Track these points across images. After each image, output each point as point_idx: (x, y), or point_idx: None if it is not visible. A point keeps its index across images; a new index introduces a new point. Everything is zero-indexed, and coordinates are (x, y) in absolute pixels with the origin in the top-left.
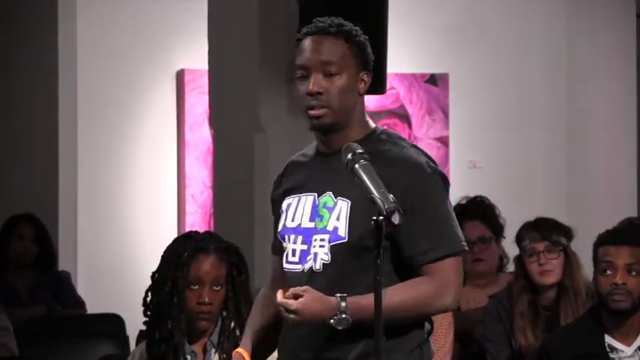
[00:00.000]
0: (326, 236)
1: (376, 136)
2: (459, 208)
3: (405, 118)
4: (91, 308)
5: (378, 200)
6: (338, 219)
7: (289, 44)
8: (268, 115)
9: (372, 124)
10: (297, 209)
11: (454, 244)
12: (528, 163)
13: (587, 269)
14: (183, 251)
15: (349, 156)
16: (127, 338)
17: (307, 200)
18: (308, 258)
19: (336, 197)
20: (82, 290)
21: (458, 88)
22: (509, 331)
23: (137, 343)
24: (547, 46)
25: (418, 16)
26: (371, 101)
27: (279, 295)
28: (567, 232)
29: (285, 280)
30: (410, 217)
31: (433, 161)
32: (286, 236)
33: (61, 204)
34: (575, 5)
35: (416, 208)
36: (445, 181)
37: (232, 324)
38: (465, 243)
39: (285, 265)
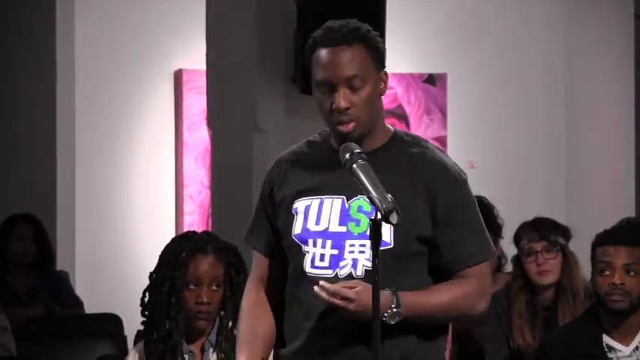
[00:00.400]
0: (367, 242)
1: (400, 138)
2: None
3: (403, 117)
4: (89, 308)
5: (376, 200)
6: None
7: (287, 44)
8: (266, 115)
9: (389, 125)
10: (322, 212)
11: (489, 248)
12: (526, 163)
13: (586, 269)
14: (181, 251)
15: (347, 155)
16: (124, 338)
17: (334, 203)
18: (342, 264)
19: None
20: (80, 290)
21: (456, 88)
22: (508, 331)
23: (135, 343)
24: (545, 46)
25: (416, 16)
26: None
27: (330, 285)
28: (565, 232)
29: (306, 284)
30: (451, 222)
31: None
32: (310, 240)
33: (59, 204)
34: (573, 5)
35: (457, 213)
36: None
37: (230, 324)
38: (491, 248)
39: (309, 270)
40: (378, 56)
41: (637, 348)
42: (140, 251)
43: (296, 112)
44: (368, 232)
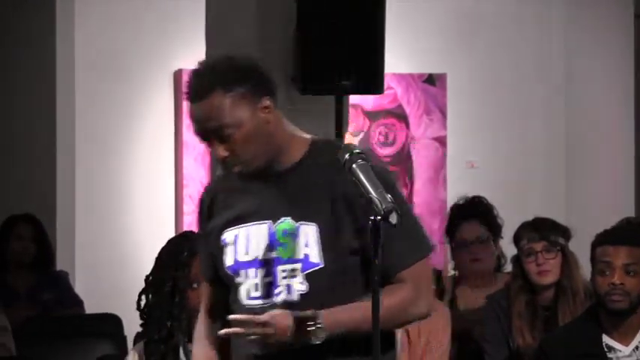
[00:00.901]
0: (297, 265)
1: (317, 148)
2: (456, 208)
3: (402, 118)
4: (89, 308)
5: (376, 200)
6: (307, 245)
7: (287, 44)
8: None
9: (307, 135)
10: (251, 240)
11: (424, 245)
12: (526, 162)
13: (586, 269)
14: (181, 251)
15: (347, 156)
16: (124, 338)
17: (261, 229)
18: (277, 291)
19: (297, 222)
20: (79, 290)
21: (456, 88)
22: (507, 332)
23: (135, 343)
24: (545, 46)
25: (416, 16)
26: (369, 101)
27: (240, 316)
28: (565, 232)
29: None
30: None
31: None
32: (241, 271)
33: (59, 204)
34: (573, 5)
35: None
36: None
37: None
38: (430, 243)
39: (245, 302)
40: (248, 91)
41: (637, 348)
42: (140, 251)
43: (296, 112)
44: (295, 256)
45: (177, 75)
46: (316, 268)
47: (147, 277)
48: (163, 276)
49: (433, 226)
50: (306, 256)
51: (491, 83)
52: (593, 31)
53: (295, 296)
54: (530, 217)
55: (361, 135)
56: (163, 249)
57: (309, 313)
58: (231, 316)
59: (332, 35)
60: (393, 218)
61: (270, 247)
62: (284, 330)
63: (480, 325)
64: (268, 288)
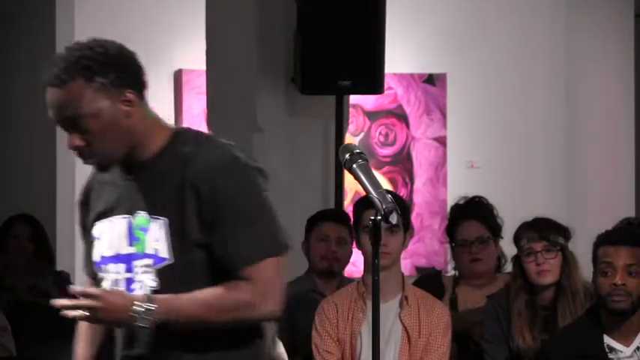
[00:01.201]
0: (149, 260)
1: (179, 140)
2: (457, 208)
3: (402, 118)
4: None
5: (376, 200)
6: (157, 240)
7: (287, 44)
8: (266, 116)
9: (172, 128)
10: (113, 234)
11: (275, 245)
12: (526, 163)
13: (585, 269)
14: None
15: (347, 156)
16: None
17: (121, 223)
18: (134, 286)
19: (150, 216)
20: None
21: (456, 88)
22: (507, 332)
23: None
24: (546, 46)
25: (416, 17)
26: (369, 101)
27: (78, 288)
28: (565, 232)
29: None
30: (220, 221)
31: (245, 156)
32: (103, 266)
33: (59, 204)
34: (574, 5)
35: (226, 211)
36: (261, 175)
37: None
38: (283, 242)
39: None
40: (112, 80)
41: (638, 348)
42: None
43: (296, 112)
44: (148, 251)
45: (177, 75)
46: (165, 263)
47: None
48: None
49: (433, 226)
50: (156, 251)
51: (491, 83)
52: (594, 31)
53: (148, 292)
54: (530, 217)
55: (361, 135)
56: None
57: (142, 295)
58: (70, 287)
59: (332, 35)
60: (394, 218)
61: (130, 241)
62: (113, 307)
63: (480, 325)
64: (128, 283)
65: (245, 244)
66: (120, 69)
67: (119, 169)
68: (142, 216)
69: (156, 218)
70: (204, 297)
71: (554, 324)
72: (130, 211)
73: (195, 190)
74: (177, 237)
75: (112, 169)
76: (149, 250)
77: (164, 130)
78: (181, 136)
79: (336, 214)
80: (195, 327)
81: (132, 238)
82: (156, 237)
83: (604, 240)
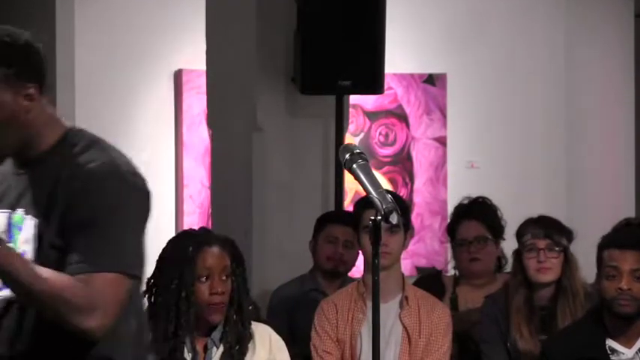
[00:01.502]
0: None
1: (67, 141)
2: (459, 207)
3: (403, 118)
4: None
5: (376, 200)
6: (26, 241)
7: (287, 44)
8: (266, 115)
9: (66, 126)
10: None
11: (116, 260)
12: (526, 163)
13: (585, 269)
14: (187, 247)
15: (347, 156)
16: None
17: (2, 218)
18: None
19: (25, 215)
20: None
21: (456, 88)
22: (505, 332)
23: None
24: (545, 46)
25: (416, 16)
26: (369, 101)
27: None
28: (569, 235)
29: None
30: (77, 228)
31: (132, 172)
32: None
33: None
34: (573, 5)
35: (84, 219)
36: (143, 194)
37: (235, 316)
38: (134, 266)
39: None
40: (14, 73)
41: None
42: None
43: (296, 112)
44: (19, 249)
45: (177, 75)
46: None
47: (148, 279)
48: (169, 274)
49: (433, 226)
50: (24, 252)
51: (491, 83)
52: (594, 31)
53: (9, 292)
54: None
55: (361, 135)
56: (165, 249)
57: None
58: None
59: (332, 35)
60: (394, 218)
61: (9, 238)
62: None
63: (480, 324)
64: None
65: (89, 252)
66: (24, 61)
67: (13, 163)
68: (19, 214)
69: (29, 218)
70: (49, 271)
71: (552, 324)
72: (13, 207)
73: (65, 193)
74: (46, 243)
75: (5, 161)
76: (19, 250)
77: (58, 128)
78: (73, 136)
79: (345, 216)
80: (22, 291)
81: (10, 235)
82: (26, 237)
83: (610, 242)
